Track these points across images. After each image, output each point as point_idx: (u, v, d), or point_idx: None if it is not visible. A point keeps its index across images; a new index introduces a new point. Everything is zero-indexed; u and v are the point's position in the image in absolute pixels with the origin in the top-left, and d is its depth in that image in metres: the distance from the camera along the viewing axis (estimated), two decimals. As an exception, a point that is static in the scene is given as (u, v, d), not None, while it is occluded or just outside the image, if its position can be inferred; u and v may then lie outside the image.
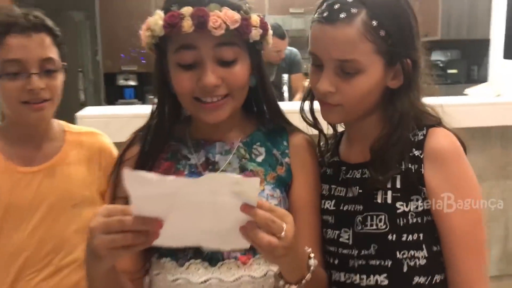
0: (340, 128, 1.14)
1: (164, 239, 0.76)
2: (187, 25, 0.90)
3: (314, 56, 0.98)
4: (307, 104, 1.12)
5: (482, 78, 4.80)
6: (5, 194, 1.17)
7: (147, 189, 0.71)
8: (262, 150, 1.05)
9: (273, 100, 1.08)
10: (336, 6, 0.93)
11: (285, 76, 3.47)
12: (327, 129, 1.14)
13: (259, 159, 1.04)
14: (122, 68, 5.04)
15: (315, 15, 0.97)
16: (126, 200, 0.99)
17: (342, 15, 0.92)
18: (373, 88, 0.96)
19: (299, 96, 3.51)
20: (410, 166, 0.95)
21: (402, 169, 0.96)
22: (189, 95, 0.96)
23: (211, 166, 1.02)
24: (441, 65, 4.98)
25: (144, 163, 1.02)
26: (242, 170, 1.02)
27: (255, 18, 0.96)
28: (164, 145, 1.04)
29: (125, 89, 5.19)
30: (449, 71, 5.00)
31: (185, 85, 0.95)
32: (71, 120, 1.82)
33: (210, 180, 0.73)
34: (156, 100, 1.05)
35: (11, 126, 1.23)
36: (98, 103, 5.48)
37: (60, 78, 1.20)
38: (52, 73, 1.17)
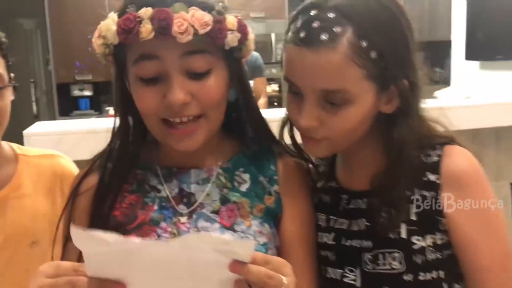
0: None
1: None
2: (146, 30, 0.74)
3: (291, 83, 0.82)
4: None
5: (444, 80, 4.82)
6: None
7: (103, 248, 0.57)
8: (246, 177, 0.89)
9: (258, 116, 0.92)
10: (315, 25, 0.76)
11: (251, 82, 3.34)
12: None
13: (243, 188, 0.88)
14: (76, 78, 4.81)
15: (290, 34, 0.80)
16: None
17: (324, 37, 0.75)
18: (364, 118, 0.81)
19: (263, 100, 3.38)
20: (425, 194, 0.82)
21: (416, 198, 0.82)
22: (154, 115, 0.80)
23: (185, 198, 0.86)
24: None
25: (104, 196, 0.86)
26: (224, 202, 0.86)
27: (231, 20, 0.80)
28: (128, 174, 0.88)
29: (80, 99, 4.96)
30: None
31: (148, 103, 0.79)
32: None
33: (189, 242, 0.58)
34: (117, 119, 0.88)
35: None
36: (52, 115, 5.24)
37: (8, 96, 0.99)
38: None
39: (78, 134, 1.70)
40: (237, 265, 0.59)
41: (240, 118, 0.92)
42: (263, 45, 5.12)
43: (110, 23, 0.77)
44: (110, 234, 0.57)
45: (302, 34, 0.77)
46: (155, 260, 0.59)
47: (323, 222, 0.91)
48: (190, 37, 0.74)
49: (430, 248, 0.81)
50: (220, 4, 0.80)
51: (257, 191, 0.88)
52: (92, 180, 0.89)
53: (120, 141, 0.88)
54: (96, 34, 0.81)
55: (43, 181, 1.08)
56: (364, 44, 0.75)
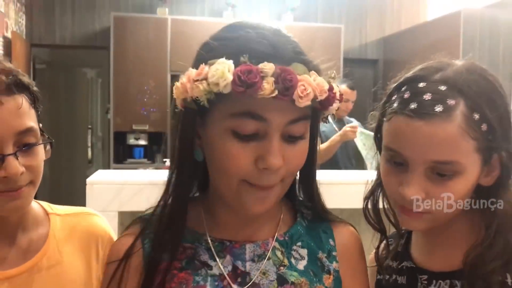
0: None
1: None
2: (269, 88, 0.67)
3: (395, 153, 0.80)
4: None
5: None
6: None
7: None
8: (304, 252, 0.82)
9: (315, 184, 0.86)
10: (427, 97, 0.76)
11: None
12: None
13: (301, 265, 0.81)
14: (133, 127, 4.94)
15: (395, 105, 0.79)
16: None
17: (438, 109, 0.74)
18: (469, 190, 0.79)
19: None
20: None
21: (508, 283, 0.76)
22: (239, 175, 0.72)
23: (240, 278, 0.78)
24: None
25: (152, 275, 0.77)
26: (281, 283, 0.78)
27: (337, 89, 0.75)
28: (178, 247, 0.79)
29: (135, 148, 5.07)
30: None
31: (240, 161, 0.71)
32: (79, 179, 1.68)
33: None
34: (174, 172, 0.79)
35: None
36: (105, 161, 5.37)
37: (41, 153, 0.88)
38: (32, 148, 0.86)
39: (138, 185, 1.73)
40: None
41: (305, 185, 0.86)
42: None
43: (225, 71, 0.68)
44: None
45: (413, 106, 0.76)
46: None
47: None
48: (308, 103, 0.69)
49: None
50: (334, 72, 0.75)
51: (315, 269, 0.82)
52: (137, 247, 0.81)
53: (172, 197, 0.79)
54: (194, 75, 0.71)
55: (78, 242, 0.98)
56: (477, 116, 0.75)
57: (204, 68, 0.70)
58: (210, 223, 0.82)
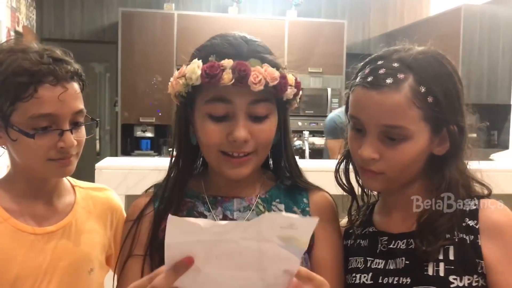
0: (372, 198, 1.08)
1: None
2: (227, 77, 0.88)
3: (356, 120, 0.94)
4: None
5: (502, 143, 4.73)
6: (15, 262, 1.00)
7: (188, 237, 0.67)
8: (282, 207, 1.01)
9: (293, 158, 1.06)
10: (382, 71, 0.90)
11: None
12: (357, 192, 1.08)
13: None
14: (140, 120, 5.06)
15: (358, 79, 0.94)
16: (142, 259, 0.97)
17: (389, 80, 0.88)
18: (418, 156, 0.91)
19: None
20: (464, 237, 0.88)
21: (455, 240, 0.88)
22: (216, 147, 0.94)
23: None
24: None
25: (160, 222, 0.97)
26: None
27: (291, 77, 0.96)
28: (180, 202, 1.00)
29: (142, 140, 5.19)
30: (468, 135, 4.94)
31: (214, 137, 0.93)
32: (88, 171, 1.79)
33: (263, 220, 0.68)
34: (175, 152, 1.02)
35: (19, 179, 1.06)
36: (113, 153, 5.49)
37: (84, 130, 1.08)
38: (80, 126, 1.05)
39: (144, 170, 1.84)
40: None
41: (278, 158, 1.05)
42: (319, 99, 5.25)
43: (195, 68, 0.91)
44: (200, 219, 0.68)
45: (369, 79, 0.90)
46: (228, 249, 0.68)
47: (361, 264, 0.98)
48: (261, 87, 0.89)
49: None
50: (285, 64, 0.97)
51: None
52: (150, 207, 1.02)
53: (175, 171, 1.01)
54: (177, 75, 0.95)
55: (97, 212, 1.15)
56: (423, 89, 0.88)
57: (183, 68, 0.94)
58: (207, 186, 1.03)
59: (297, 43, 5.16)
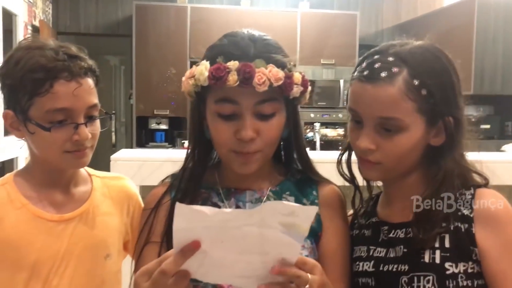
0: (376, 189, 1.12)
1: (204, 275, 0.78)
2: (233, 79, 0.92)
3: (354, 113, 0.98)
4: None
5: (516, 134, 4.71)
6: (34, 248, 1.05)
7: (195, 223, 0.72)
8: (292, 199, 1.05)
9: (304, 152, 1.09)
10: (377, 65, 0.93)
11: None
12: (362, 183, 1.12)
13: None
14: (155, 112, 5.12)
15: (355, 73, 0.98)
16: (158, 245, 1.01)
17: (383, 74, 0.92)
18: (414, 146, 0.95)
19: None
20: (459, 225, 0.92)
21: (451, 228, 0.92)
22: (226, 145, 0.98)
23: None
24: (473, 120, 4.90)
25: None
26: None
27: (297, 76, 0.97)
28: (196, 193, 1.04)
29: (156, 132, 5.26)
30: (482, 126, 4.93)
31: (223, 135, 0.97)
32: (104, 162, 1.85)
33: (265, 208, 0.73)
34: (190, 145, 1.07)
35: (37, 170, 1.11)
36: (128, 145, 5.57)
37: (99, 123, 1.12)
38: (95, 120, 1.09)
39: (158, 162, 1.89)
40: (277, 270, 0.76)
41: (289, 152, 1.09)
42: (332, 90, 5.26)
43: (203, 69, 0.95)
44: (206, 207, 0.72)
45: (365, 72, 0.94)
46: (233, 235, 0.73)
47: (364, 253, 1.02)
48: (266, 88, 0.92)
49: (461, 275, 0.89)
50: (292, 63, 0.98)
51: None
52: (167, 197, 1.06)
53: (191, 163, 1.05)
54: (187, 74, 1.00)
55: (114, 199, 1.19)
56: (416, 82, 0.91)
57: (193, 68, 0.98)
58: (221, 178, 1.07)
59: (309, 35, 5.17)
